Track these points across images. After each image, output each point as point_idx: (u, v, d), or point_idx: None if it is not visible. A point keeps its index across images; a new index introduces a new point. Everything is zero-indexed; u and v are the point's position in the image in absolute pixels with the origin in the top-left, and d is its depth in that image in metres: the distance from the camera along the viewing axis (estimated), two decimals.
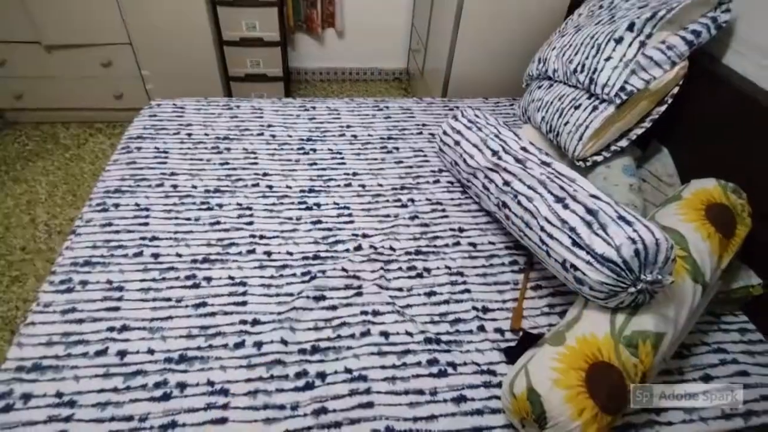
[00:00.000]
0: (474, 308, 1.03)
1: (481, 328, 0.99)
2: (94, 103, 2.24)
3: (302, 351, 0.92)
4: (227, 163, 1.38)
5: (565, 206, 0.94)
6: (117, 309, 0.96)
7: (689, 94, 1.21)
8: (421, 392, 0.87)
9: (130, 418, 0.80)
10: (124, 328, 0.92)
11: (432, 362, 0.92)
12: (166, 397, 0.83)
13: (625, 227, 0.84)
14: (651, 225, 0.85)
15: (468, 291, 1.06)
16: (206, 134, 1.48)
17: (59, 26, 1.97)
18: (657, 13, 1.16)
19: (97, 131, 2.27)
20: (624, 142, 1.27)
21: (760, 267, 1.07)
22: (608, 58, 1.21)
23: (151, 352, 0.89)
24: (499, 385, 0.89)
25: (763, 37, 1.11)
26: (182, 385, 0.85)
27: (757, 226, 1.03)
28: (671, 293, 0.88)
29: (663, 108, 1.22)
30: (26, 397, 0.80)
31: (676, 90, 1.20)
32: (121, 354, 0.89)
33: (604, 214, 0.89)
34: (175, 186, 1.28)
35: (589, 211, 0.90)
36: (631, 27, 1.20)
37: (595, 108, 1.25)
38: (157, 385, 0.84)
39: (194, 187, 1.28)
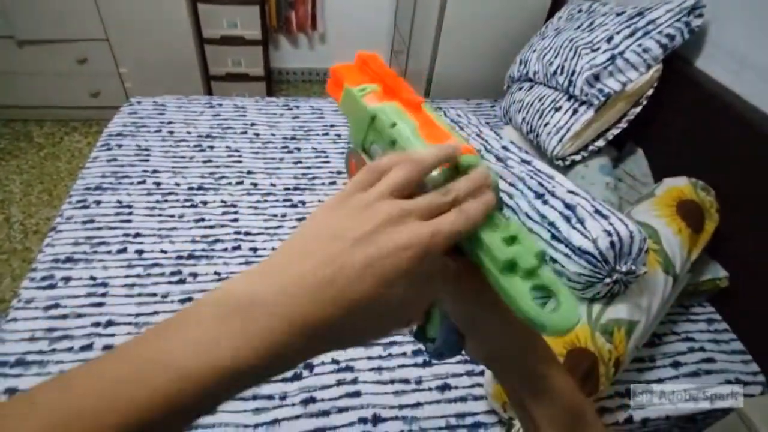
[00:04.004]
0: None
1: None
2: (70, 101, 2.18)
3: None
4: (210, 161, 1.37)
5: (545, 202, 0.98)
6: (101, 305, 0.95)
7: (663, 96, 1.27)
8: (406, 381, 0.89)
9: None
10: (110, 324, 0.92)
11: (417, 352, 0.94)
12: None
13: (601, 221, 0.89)
14: (625, 218, 0.90)
15: None
16: (188, 132, 1.47)
17: (33, 20, 1.91)
18: (635, 33, 1.23)
19: (72, 130, 2.21)
20: (601, 142, 1.33)
21: (726, 260, 1.13)
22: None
23: None
24: (481, 373, 0.92)
25: (733, 42, 1.16)
26: None
27: (724, 222, 1.09)
28: (644, 284, 0.93)
29: (638, 109, 1.28)
30: (10, 391, 0.79)
31: (651, 92, 1.26)
32: (107, 349, 0.87)
33: (581, 208, 0.93)
34: (157, 183, 1.27)
35: (568, 206, 0.95)
36: (608, 40, 1.26)
37: (575, 111, 1.30)
38: None
39: (177, 184, 1.27)
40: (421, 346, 0.35)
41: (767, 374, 1.01)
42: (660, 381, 0.97)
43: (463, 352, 0.34)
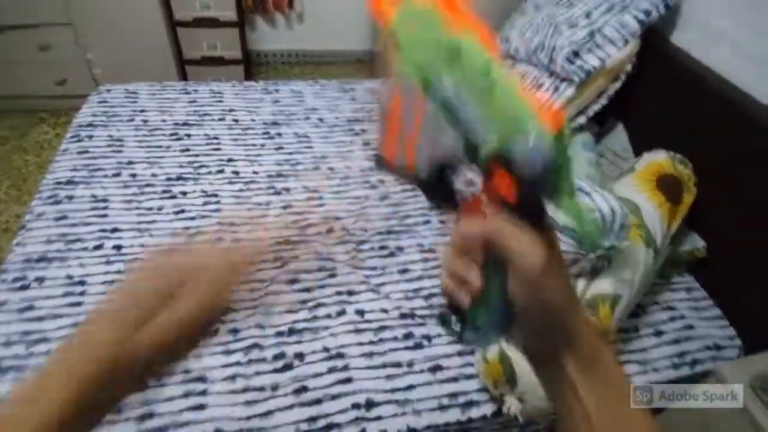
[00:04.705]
0: None
1: None
2: (34, 91, 2.07)
3: (279, 333, 0.92)
4: (188, 150, 1.33)
5: None
6: (80, 304, 0.92)
7: (641, 71, 1.27)
8: (398, 365, 0.90)
9: None
10: None
11: (408, 336, 0.95)
12: None
13: (584, 198, 0.89)
14: (607, 195, 0.91)
15: (440, 267, 1.09)
16: (163, 120, 1.42)
17: None
18: (613, 8, 1.22)
19: (40, 121, 2.11)
20: (582, 119, 1.33)
21: (704, 231, 1.16)
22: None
23: None
24: (471, 353, 0.93)
25: (706, 16, 1.19)
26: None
27: (700, 194, 1.11)
28: (627, 258, 0.95)
29: (618, 84, 1.28)
30: None
31: (629, 68, 1.26)
32: None
33: None
34: (133, 175, 1.22)
35: None
36: (587, 16, 1.25)
37: (556, 88, 1.30)
38: None
39: (154, 175, 1.23)
40: (448, 333, 0.31)
41: (743, 338, 1.05)
42: (643, 350, 1.00)
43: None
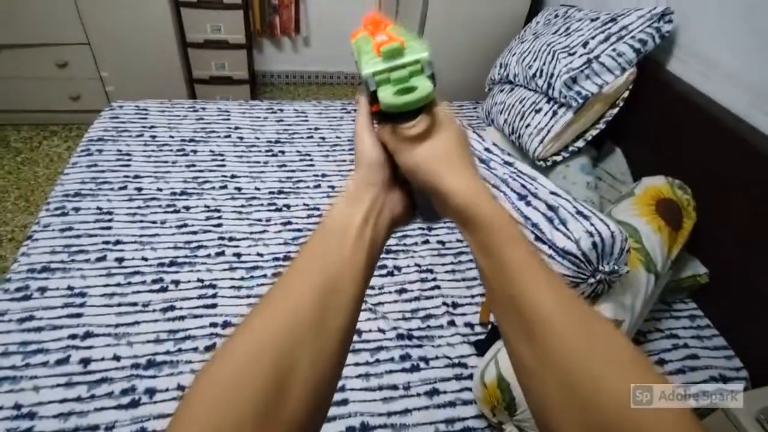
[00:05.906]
0: (444, 304, 1.06)
1: (452, 323, 1.02)
2: (49, 105, 2.13)
3: None
4: (194, 166, 1.35)
5: (528, 203, 0.98)
6: (79, 315, 0.92)
7: (638, 98, 1.29)
8: (394, 387, 0.89)
9: (95, 428, 0.77)
10: (88, 335, 0.89)
11: (404, 357, 0.94)
12: (134, 404, 0.81)
13: (583, 221, 0.89)
14: (606, 219, 0.91)
15: (438, 287, 1.09)
16: (171, 136, 1.45)
17: (11, 25, 1.87)
18: (609, 38, 1.25)
19: (51, 134, 2.16)
20: (581, 143, 1.34)
21: (705, 257, 1.15)
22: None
23: (117, 358, 0.87)
24: (470, 377, 0.92)
25: (700, 46, 1.21)
26: (151, 391, 0.83)
27: (701, 219, 1.11)
28: (627, 283, 0.94)
29: (615, 110, 1.30)
30: None
31: (626, 94, 1.28)
32: (85, 362, 0.85)
33: (563, 210, 0.94)
34: (139, 189, 1.24)
35: (550, 207, 0.95)
36: (584, 45, 1.28)
37: (555, 113, 1.32)
38: (124, 392, 0.82)
39: (159, 189, 1.25)
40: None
41: (750, 369, 1.02)
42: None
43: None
